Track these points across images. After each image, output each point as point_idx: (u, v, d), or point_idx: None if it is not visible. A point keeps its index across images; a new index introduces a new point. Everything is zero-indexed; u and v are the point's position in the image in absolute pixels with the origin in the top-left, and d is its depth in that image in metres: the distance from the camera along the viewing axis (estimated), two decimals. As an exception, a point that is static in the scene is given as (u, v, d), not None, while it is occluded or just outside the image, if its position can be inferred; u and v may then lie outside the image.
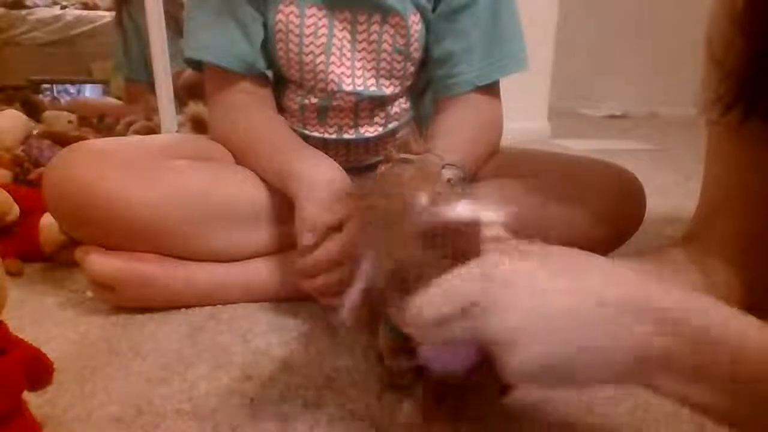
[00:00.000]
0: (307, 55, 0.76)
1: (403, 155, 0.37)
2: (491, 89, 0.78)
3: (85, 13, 3.19)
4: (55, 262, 0.84)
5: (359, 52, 0.77)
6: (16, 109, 1.33)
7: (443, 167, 0.37)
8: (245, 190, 0.72)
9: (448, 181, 0.36)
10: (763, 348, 0.32)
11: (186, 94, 1.40)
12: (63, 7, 3.20)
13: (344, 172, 0.68)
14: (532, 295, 0.33)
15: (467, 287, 0.33)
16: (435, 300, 0.33)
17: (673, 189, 1.39)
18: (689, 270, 0.59)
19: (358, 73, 0.78)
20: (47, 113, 1.52)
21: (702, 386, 0.33)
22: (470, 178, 0.74)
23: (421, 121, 0.86)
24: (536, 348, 0.32)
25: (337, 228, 0.56)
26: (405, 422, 0.39)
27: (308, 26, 0.75)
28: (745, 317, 0.34)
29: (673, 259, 0.60)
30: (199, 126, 1.23)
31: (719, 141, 0.61)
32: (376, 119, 0.81)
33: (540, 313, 0.32)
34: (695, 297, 0.35)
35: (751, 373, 0.32)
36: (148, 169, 0.68)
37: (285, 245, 0.72)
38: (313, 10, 0.74)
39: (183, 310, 0.69)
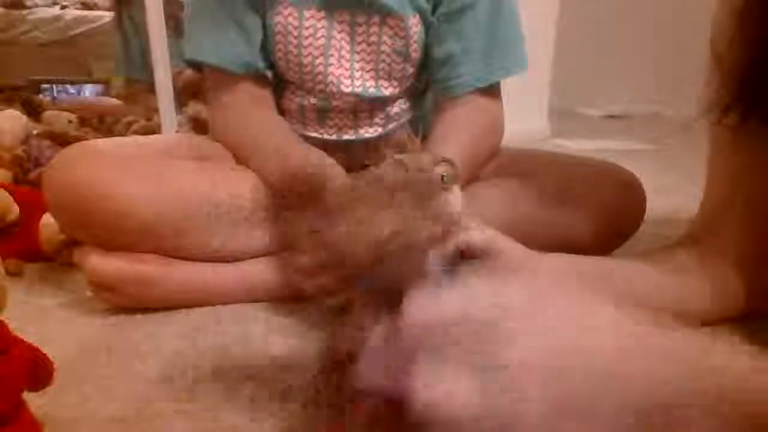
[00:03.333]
0: (306, 56, 0.76)
1: (396, 155, 0.37)
2: (492, 90, 0.78)
3: (85, 13, 3.19)
4: (55, 262, 0.84)
5: (358, 53, 0.77)
6: (16, 109, 1.33)
7: (436, 164, 0.37)
8: (245, 190, 0.72)
9: (441, 177, 0.37)
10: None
11: (186, 94, 1.40)
12: (63, 7, 3.21)
13: (344, 171, 0.68)
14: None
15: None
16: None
17: (673, 189, 1.38)
18: (696, 273, 0.59)
19: (357, 74, 0.78)
20: (47, 113, 1.52)
21: None
22: (466, 175, 0.74)
23: (422, 121, 0.86)
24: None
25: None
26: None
27: (307, 28, 0.75)
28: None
29: (680, 261, 0.60)
30: (199, 126, 1.23)
31: (722, 143, 0.61)
32: (376, 120, 0.81)
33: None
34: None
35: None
36: (148, 170, 0.68)
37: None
38: (312, 12, 0.74)
39: (183, 310, 0.69)
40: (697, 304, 0.60)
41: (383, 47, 0.76)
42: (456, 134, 0.75)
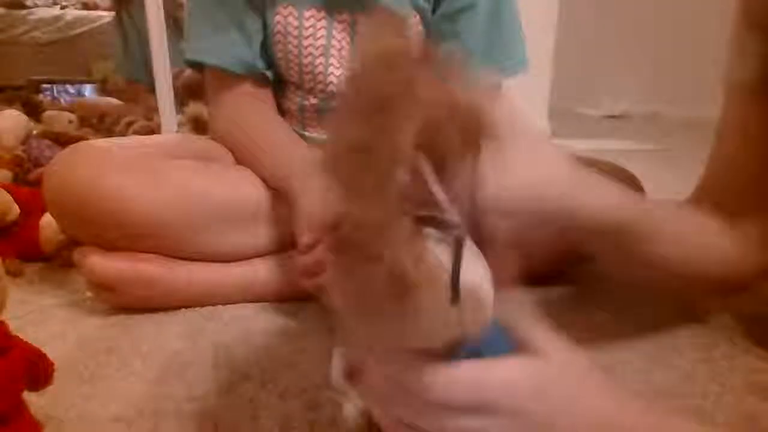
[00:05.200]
0: (306, 56, 0.76)
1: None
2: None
3: (85, 13, 3.19)
4: (55, 262, 0.84)
5: (359, 53, 0.77)
6: (16, 109, 1.33)
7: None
8: (245, 190, 0.72)
9: None
10: None
11: (186, 94, 1.40)
12: (63, 7, 3.21)
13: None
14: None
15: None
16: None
17: (673, 189, 1.38)
18: (718, 234, 0.57)
19: (358, 74, 0.77)
20: (47, 113, 1.52)
21: None
22: None
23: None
24: None
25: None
26: None
27: (307, 28, 0.75)
28: None
29: (702, 221, 0.58)
30: (199, 126, 1.23)
31: (738, 97, 0.60)
32: (376, 119, 0.81)
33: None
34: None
35: None
36: (148, 170, 0.68)
37: (285, 245, 0.72)
38: (312, 12, 0.74)
39: (183, 310, 0.69)
40: (722, 265, 0.58)
41: (383, 47, 0.76)
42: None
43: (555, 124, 2.36)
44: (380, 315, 0.27)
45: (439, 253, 0.26)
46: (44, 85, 2.29)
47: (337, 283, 0.29)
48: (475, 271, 0.28)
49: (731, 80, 0.60)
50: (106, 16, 2.98)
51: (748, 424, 0.48)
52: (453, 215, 0.26)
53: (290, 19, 0.74)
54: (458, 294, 0.26)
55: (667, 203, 0.60)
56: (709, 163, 0.64)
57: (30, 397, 0.43)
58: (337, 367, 0.35)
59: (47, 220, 0.83)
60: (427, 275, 0.25)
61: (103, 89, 2.27)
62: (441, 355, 0.29)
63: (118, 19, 2.07)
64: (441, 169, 0.26)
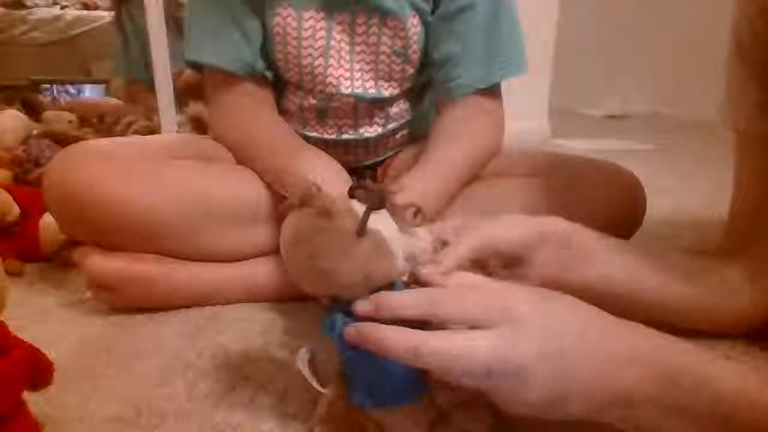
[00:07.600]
0: (305, 57, 0.76)
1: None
2: (492, 91, 0.78)
3: (85, 13, 3.19)
4: (55, 262, 0.84)
5: (358, 54, 0.77)
6: (16, 109, 1.33)
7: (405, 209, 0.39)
8: (245, 190, 0.72)
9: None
10: (741, 392, 0.34)
11: (186, 94, 1.40)
12: (63, 7, 3.21)
13: (343, 169, 0.68)
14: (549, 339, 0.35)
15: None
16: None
17: (673, 189, 1.39)
18: (745, 291, 0.56)
19: (357, 75, 0.77)
20: (47, 113, 1.51)
21: (682, 421, 0.35)
22: (466, 177, 0.73)
23: (422, 121, 0.86)
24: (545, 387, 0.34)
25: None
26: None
27: (306, 29, 0.75)
28: (728, 362, 0.36)
29: (726, 280, 0.57)
30: (199, 126, 1.23)
31: (754, 143, 0.57)
32: (376, 120, 0.81)
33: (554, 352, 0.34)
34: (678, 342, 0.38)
35: (730, 415, 0.34)
36: (148, 170, 0.68)
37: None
38: (311, 13, 0.74)
39: (183, 310, 0.69)
40: (749, 322, 0.58)
41: (383, 48, 0.76)
42: (456, 135, 0.75)
43: (555, 124, 2.36)
44: (308, 243, 0.35)
45: (360, 209, 0.35)
46: (44, 85, 2.29)
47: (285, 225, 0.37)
48: (388, 230, 0.36)
49: (740, 127, 0.57)
50: (106, 16, 2.98)
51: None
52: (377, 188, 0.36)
53: (289, 20, 0.74)
54: (364, 230, 0.34)
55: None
56: (733, 211, 0.61)
57: (30, 397, 0.43)
58: (303, 357, 0.41)
59: (47, 220, 0.83)
60: (345, 211, 0.35)
61: (106, 89, 2.27)
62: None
63: (118, 19, 2.06)
64: None
